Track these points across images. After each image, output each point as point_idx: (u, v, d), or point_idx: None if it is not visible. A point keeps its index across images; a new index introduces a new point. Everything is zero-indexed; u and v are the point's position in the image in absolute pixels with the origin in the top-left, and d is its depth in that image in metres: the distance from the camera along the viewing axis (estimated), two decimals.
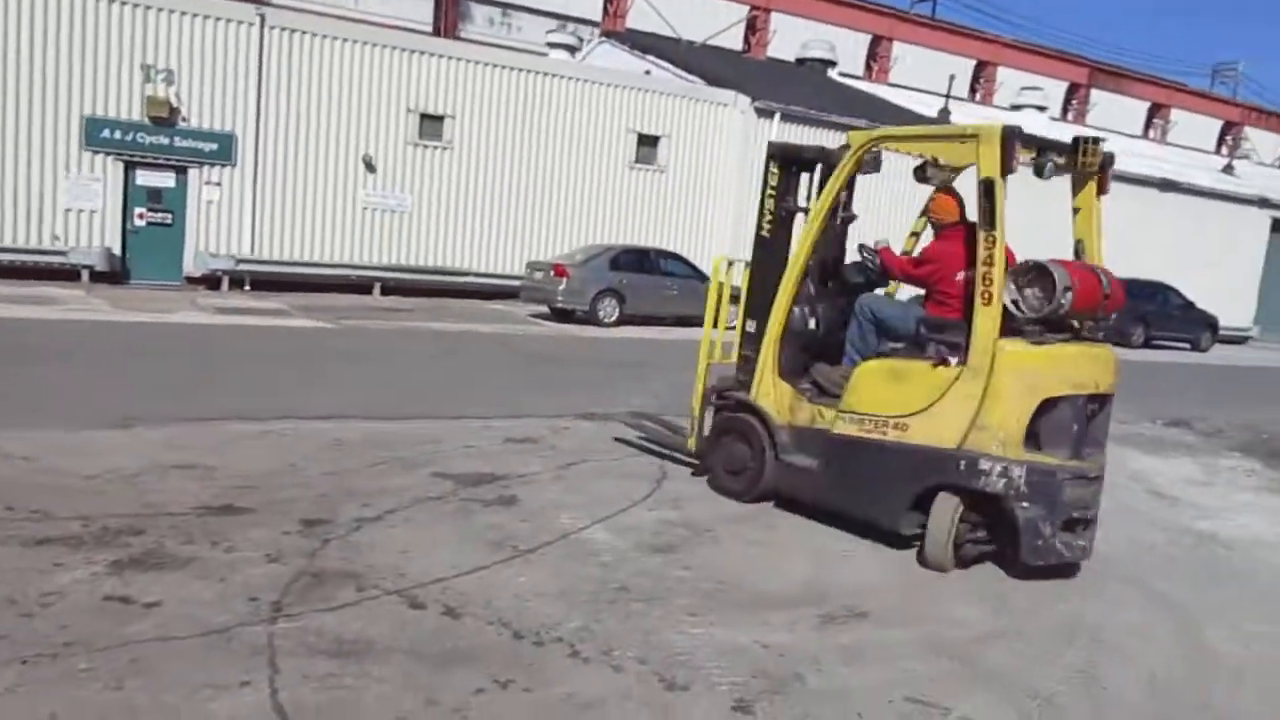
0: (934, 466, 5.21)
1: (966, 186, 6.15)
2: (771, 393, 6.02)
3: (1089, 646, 4.38)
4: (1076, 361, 5.30)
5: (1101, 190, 5.66)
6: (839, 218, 6.27)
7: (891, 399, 5.40)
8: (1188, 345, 26.78)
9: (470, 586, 4.35)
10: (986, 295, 5.08)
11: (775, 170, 6.23)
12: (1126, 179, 30.32)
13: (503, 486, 6.04)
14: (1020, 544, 5.07)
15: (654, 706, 3.40)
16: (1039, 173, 5.51)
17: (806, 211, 6.22)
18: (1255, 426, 11.55)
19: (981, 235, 5.12)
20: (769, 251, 6.28)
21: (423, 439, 7.13)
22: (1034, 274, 5.17)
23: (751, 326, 6.27)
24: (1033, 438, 5.10)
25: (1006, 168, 5.10)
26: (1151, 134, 47.74)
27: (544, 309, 18.69)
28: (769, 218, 6.26)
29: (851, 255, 6.50)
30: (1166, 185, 31.16)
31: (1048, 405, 5.10)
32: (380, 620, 3.91)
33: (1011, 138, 5.13)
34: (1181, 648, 4.52)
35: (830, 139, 23.18)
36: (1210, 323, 27.20)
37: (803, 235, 6.03)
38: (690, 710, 3.40)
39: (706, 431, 6.58)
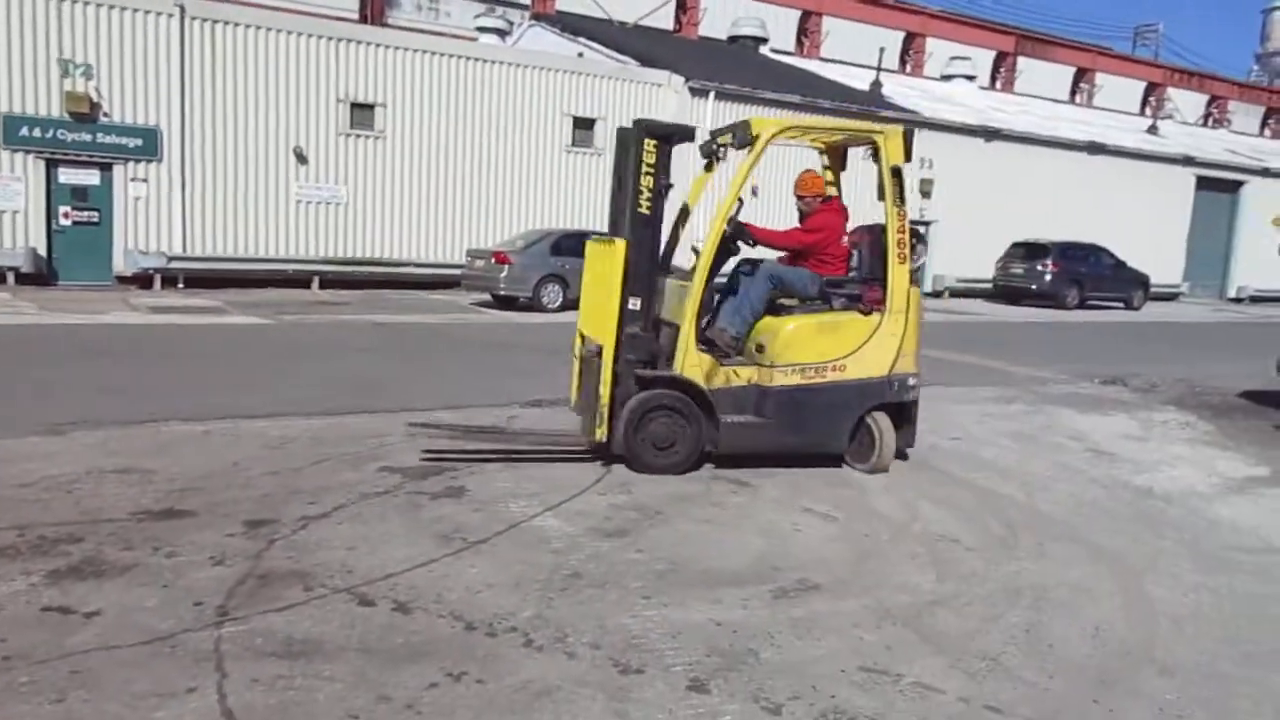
0: (872, 392, 6.56)
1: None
2: (698, 364, 6.32)
3: (1034, 606, 4.46)
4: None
5: (843, 167, 7.40)
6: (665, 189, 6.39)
7: (826, 347, 6.46)
8: (1121, 304, 27.46)
9: (421, 580, 4.31)
10: (901, 255, 6.51)
11: (651, 148, 6.23)
12: (1055, 143, 30.89)
13: (451, 478, 5.99)
14: (913, 432, 6.81)
15: (609, 690, 3.40)
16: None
17: (671, 187, 6.39)
18: (1188, 380, 11.87)
19: (895, 210, 6.49)
20: (651, 228, 6.32)
21: (368, 434, 7.05)
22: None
23: (635, 304, 6.29)
24: None
25: (909, 157, 6.56)
26: (1078, 98, 48.58)
27: (486, 297, 18.56)
28: (647, 195, 6.26)
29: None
30: (1094, 148, 31.75)
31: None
32: (330, 619, 3.86)
33: (910, 134, 6.67)
34: (1124, 602, 4.63)
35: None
36: (1142, 281, 27.87)
37: (720, 212, 6.35)
38: (645, 692, 3.41)
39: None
